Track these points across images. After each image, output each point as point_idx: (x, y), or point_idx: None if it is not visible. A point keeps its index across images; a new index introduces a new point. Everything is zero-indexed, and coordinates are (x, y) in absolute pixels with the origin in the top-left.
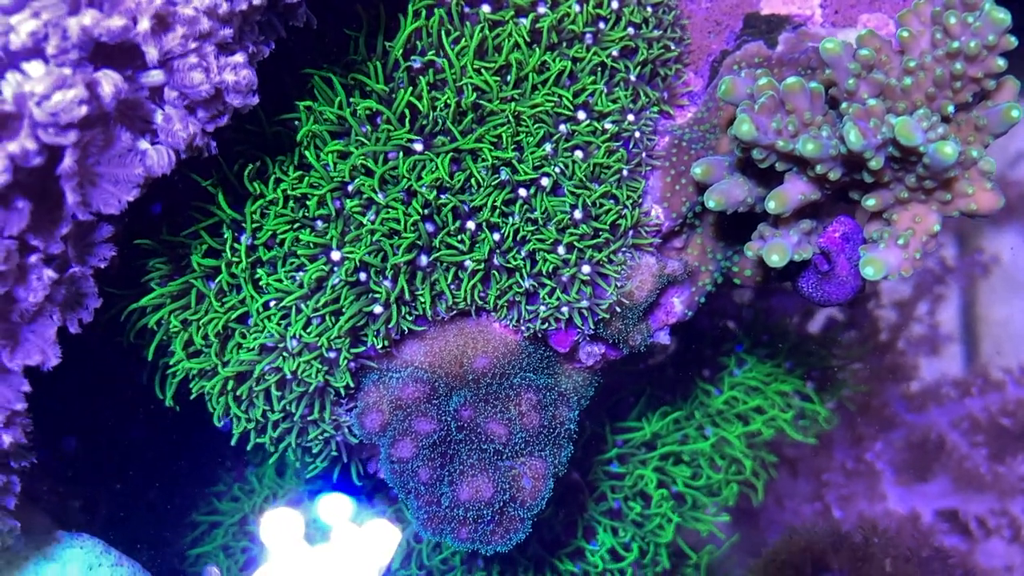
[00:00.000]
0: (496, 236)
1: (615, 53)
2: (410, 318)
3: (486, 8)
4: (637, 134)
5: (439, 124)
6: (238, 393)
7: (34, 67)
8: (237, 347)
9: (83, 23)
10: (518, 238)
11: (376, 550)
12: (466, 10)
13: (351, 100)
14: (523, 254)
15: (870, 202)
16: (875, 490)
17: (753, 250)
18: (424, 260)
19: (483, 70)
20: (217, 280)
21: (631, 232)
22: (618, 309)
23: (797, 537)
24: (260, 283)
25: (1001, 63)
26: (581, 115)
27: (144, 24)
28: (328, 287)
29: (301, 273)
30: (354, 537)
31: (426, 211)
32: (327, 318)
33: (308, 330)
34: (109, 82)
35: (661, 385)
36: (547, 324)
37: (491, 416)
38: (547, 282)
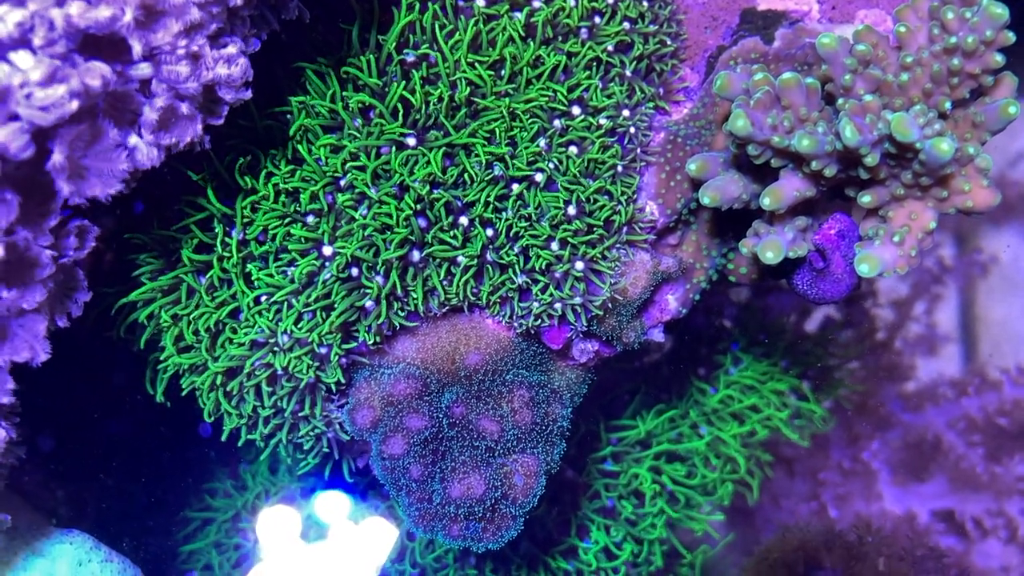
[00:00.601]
0: (489, 232)
1: (610, 48)
2: (402, 314)
3: (480, 2)
4: (632, 130)
5: (432, 118)
6: (228, 388)
7: (22, 57)
8: (228, 342)
9: (68, 12)
10: (511, 234)
11: (373, 548)
12: (460, 3)
13: (344, 94)
14: (516, 250)
15: (866, 199)
16: (871, 490)
17: (748, 247)
18: (416, 255)
19: (477, 64)
20: (208, 275)
21: (625, 228)
22: (612, 306)
23: (790, 535)
24: (251, 278)
25: (999, 59)
26: (576, 110)
27: (130, 15)
28: (319, 282)
29: (292, 268)
30: (351, 535)
31: (419, 206)
32: (318, 313)
33: (299, 325)
34: (97, 74)
35: (656, 383)
36: (540, 321)
37: (483, 413)
38: (540, 278)
